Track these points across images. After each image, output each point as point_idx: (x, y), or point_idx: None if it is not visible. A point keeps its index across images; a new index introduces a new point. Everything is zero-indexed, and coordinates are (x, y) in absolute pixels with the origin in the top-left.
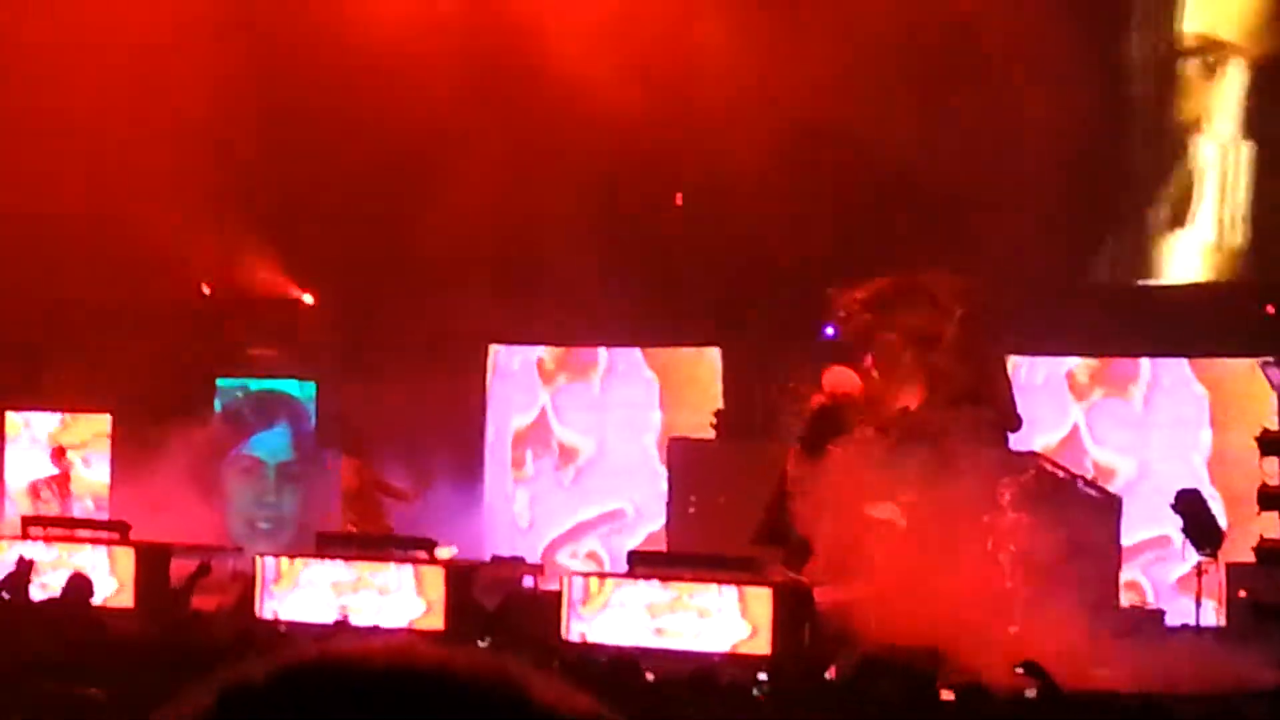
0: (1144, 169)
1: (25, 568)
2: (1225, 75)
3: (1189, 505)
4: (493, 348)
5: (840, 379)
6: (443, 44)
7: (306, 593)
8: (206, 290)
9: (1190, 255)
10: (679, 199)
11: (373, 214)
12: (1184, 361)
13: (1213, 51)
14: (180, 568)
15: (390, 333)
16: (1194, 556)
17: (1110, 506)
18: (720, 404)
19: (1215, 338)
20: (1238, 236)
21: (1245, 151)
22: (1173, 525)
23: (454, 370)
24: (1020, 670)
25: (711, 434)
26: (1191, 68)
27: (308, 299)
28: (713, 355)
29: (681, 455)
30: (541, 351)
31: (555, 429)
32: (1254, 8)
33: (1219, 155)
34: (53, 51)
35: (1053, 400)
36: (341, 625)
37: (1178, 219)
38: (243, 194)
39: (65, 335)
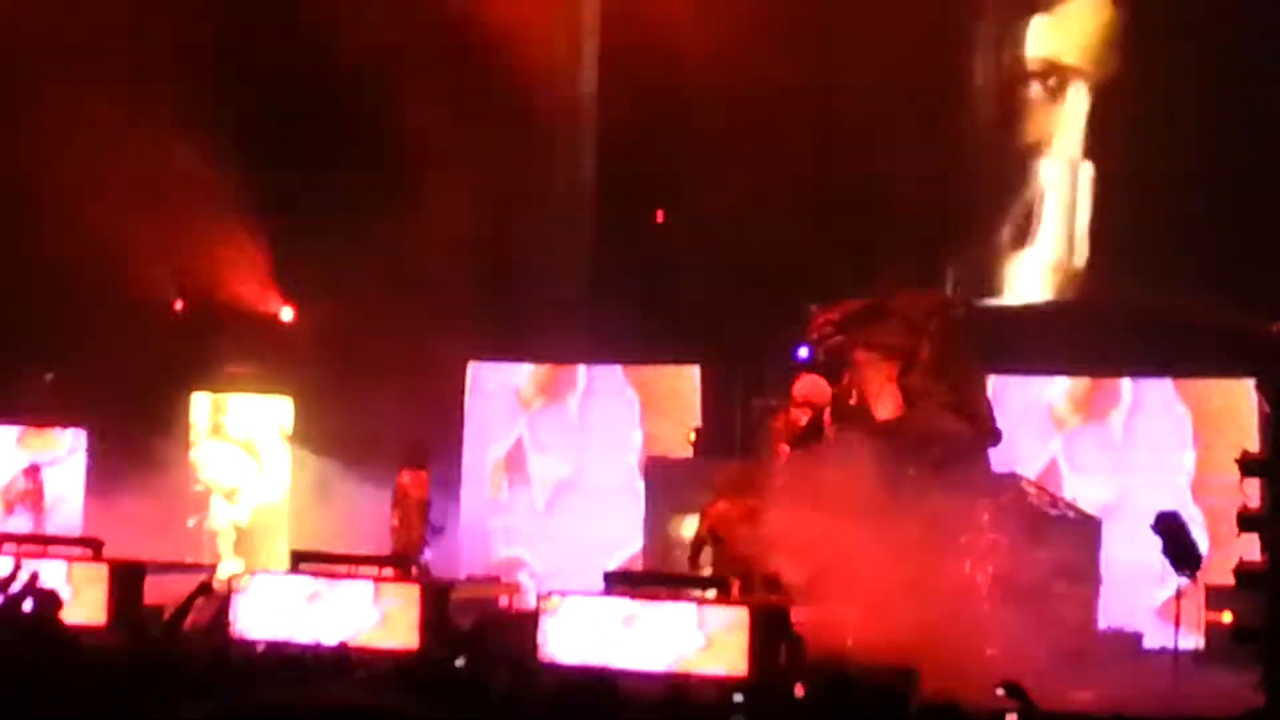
0: (988, 190)
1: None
2: (1067, 98)
3: (1168, 527)
4: (471, 364)
5: (811, 387)
6: (426, 54)
7: (281, 610)
8: (179, 305)
9: (1033, 275)
10: (660, 215)
11: (354, 228)
12: (1168, 382)
13: (1055, 75)
14: (158, 585)
15: (368, 348)
16: (1173, 579)
17: (1090, 529)
18: (699, 421)
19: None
20: (1079, 256)
21: (1086, 172)
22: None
23: (432, 387)
24: (1001, 692)
25: (689, 452)
26: (1035, 91)
27: (286, 313)
28: (692, 373)
29: (660, 473)
30: (520, 370)
31: (531, 457)
32: (1094, 33)
33: (1061, 176)
34: (27, 57)
35: (1033, 428)
36: (316, 647)
37: (1021, 239)
38: (222, 206)
39: (39, 349)
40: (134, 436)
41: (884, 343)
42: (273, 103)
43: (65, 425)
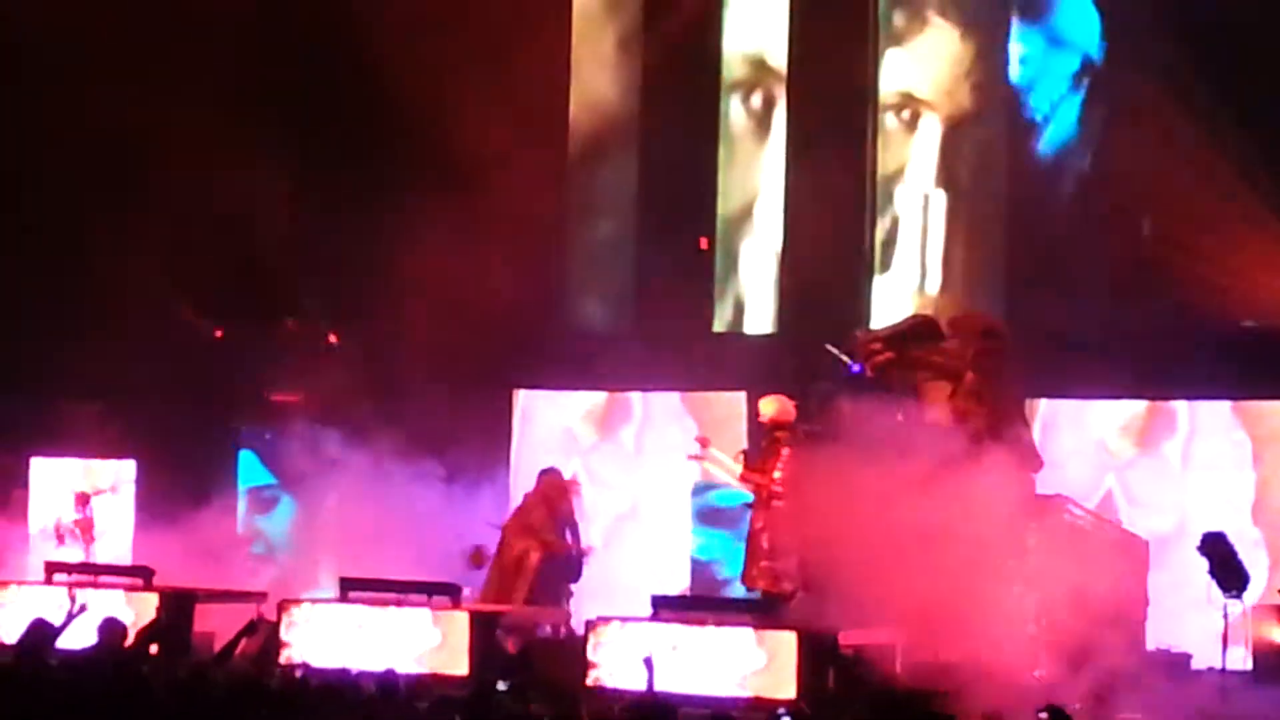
0: (851, 219)
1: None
2: (920, 129)
3: (1214, 547)
4: (519, 393)
5: (775, 407)
6: (469, 75)
7: (330, 638)
8: (218, 334)
9: (892, 300)
10: (704, 243)
11: (395, 253)
12: (1225, 405)
13: (910, 107)
14: (207, 614)
15: (415, 376)
16: (1220, 600)
17: (1137, 551)
18: (745, 446)
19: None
20: (934, 280)
21: (940, 200)
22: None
23: (481, 416)
24: (1044, 716)
25: None
26: (892, 122)
27: (332, 340)
28: (737, 399)
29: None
30: (571, 401)
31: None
32: (945, 69)
33: (918, 204)
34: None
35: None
36: (360, 674)
37: (883, 264)
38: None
39: (86, 380)
40: (183, 466)
41: (929, 361)
42: (315, 123)
43: (115, 456)
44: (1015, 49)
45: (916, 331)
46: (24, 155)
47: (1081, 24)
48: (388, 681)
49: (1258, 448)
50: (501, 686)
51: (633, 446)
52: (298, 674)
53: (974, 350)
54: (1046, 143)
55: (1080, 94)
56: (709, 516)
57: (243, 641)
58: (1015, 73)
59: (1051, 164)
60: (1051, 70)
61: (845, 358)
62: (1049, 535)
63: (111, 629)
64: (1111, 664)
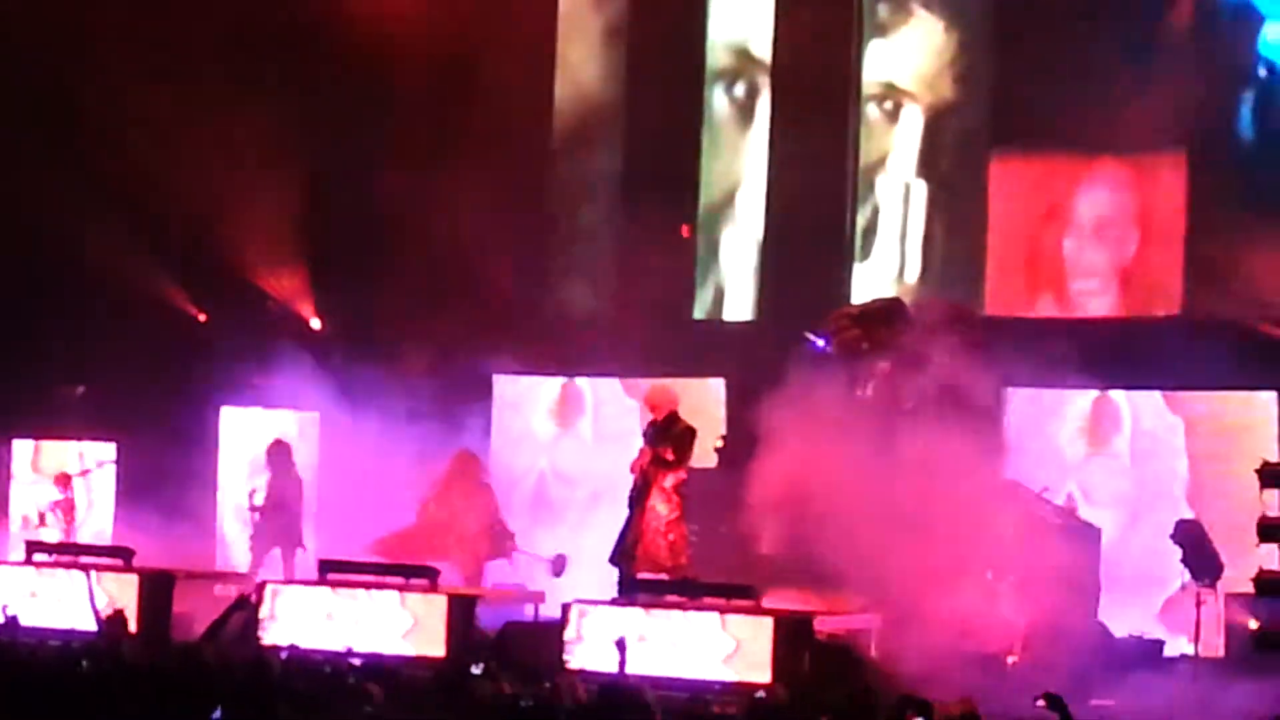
0: (834, 207)
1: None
2: (902, 120)
3: (1188, 535)
4: (497, 378)
5: (658, 394)
6: (451, 59)
7: (309, 620)
8: (202, 317)
9: (872, 287)
10: (686, 230)
11: (379, 236)
12: (1158, 395)
13: (892, 98)
14: (185, 592)
15: (394, 360)
16: (1191, 587)
17: (1090, 536)
18: (724, 432)
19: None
20: (914, 269)
21: (920, 190)
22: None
23: (459, 400)
24: (1041, 703)
25: (714, 462)
26: (874, 112)
27: (315, 324)
28: (717, 385)
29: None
30: (545, 384)
31: (552, 486)
32: (927, 60)
33: (899, 193)
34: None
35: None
36: (346, 655)
37: (863, 252)
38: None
39: (70, 362)
40: (163, 448)
41: (895, 342)
42: (301, 105)
43: (95, 438)
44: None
45: (886, 313)
46: (3, 145)
47: None
48: (365, 663)
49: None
50: (475, 669)
51: (590, 434)
52: (281, 655)
53: (947, 334)
54: None
55: None
56: None
57: (233, 617)
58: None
59: None
60: None
61: (812, 335)
62: (1013, 522)
63: (117, 621)
64: (1075, 649)
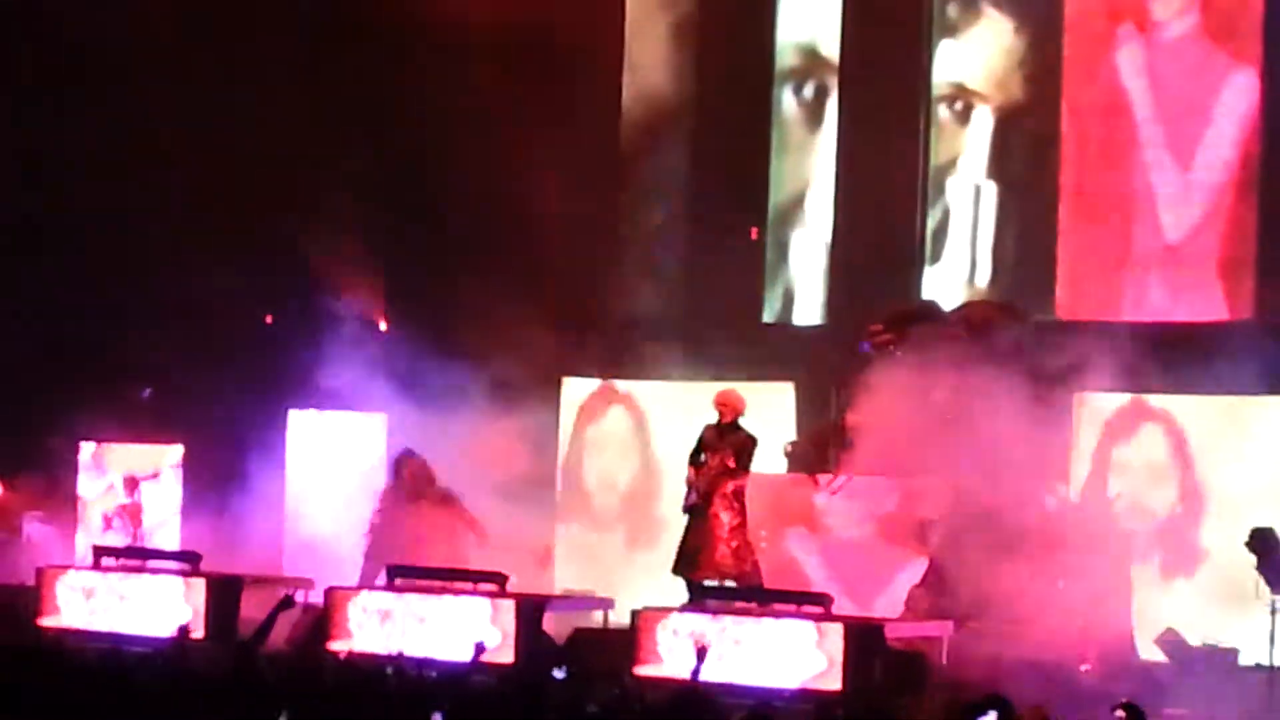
0: (904, 209)
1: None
2: (973, 121)
3: (1264, 543)
4: (566, 380)
5: (727, 396)
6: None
7: (377, 625)
8: (269, 319)
9: (943, 290)
10: (754, 232)
11: (447, 238)
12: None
13: (962, 99)
14: (252, 598)
15: (461, 363)
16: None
17: (1124, 539)
18: (794, 438)
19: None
20: (985, 272)
21: (991, 191)
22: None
23: (525, 402)
24: (1120, 714)
25: (785, 467)
26: (944, 113)
27: (382, 326)
28: (786, 390)
29: (752, 490)
30: (611, 388)
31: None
32: (997, 60)
33: (969, 195)
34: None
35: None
36: (409, 660)
37: (933, 255)
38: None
39: (137, 364)
40: (231, 451)
41: (925, 345)
42: (374, 117)
43: (162, 440)
44: None
45: (916, 315)
46: (75, 149)
47: None
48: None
49: None
50: (558, 674)
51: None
52: (343, 660)
53: (986, 336)
54: None
55: None
56: None
57: (291, 617)
58: None
59: None
60: None
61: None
62: (1062, 525)
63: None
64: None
